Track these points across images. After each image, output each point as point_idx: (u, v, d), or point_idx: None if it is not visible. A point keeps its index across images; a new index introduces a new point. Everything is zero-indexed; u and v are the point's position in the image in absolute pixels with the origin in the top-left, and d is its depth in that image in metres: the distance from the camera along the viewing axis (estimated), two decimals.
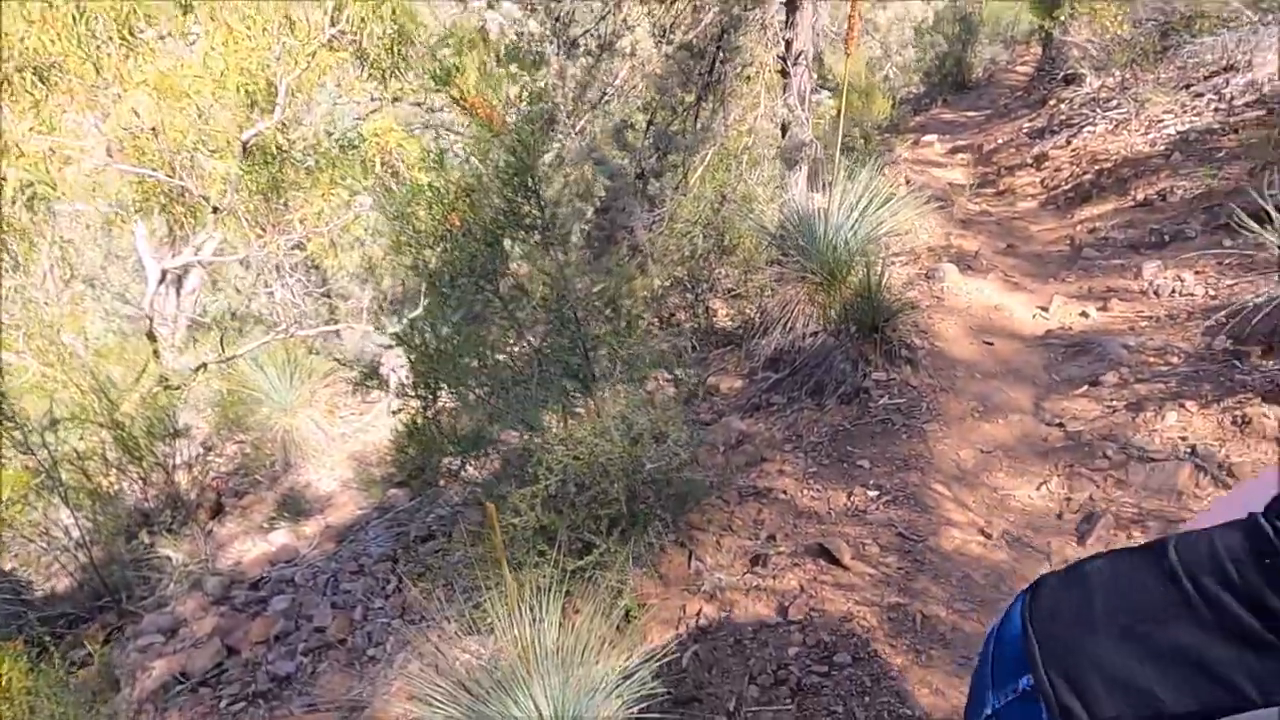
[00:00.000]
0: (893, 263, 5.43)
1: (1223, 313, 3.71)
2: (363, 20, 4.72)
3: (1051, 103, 9.44)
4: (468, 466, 3.17)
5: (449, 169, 2.65)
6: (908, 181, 7.52)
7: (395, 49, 5.00)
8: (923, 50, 12.20)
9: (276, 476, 6.41)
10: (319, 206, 5.02)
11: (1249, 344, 3.48)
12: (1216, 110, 6.41)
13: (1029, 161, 7.90)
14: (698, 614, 2.94)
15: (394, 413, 3.15)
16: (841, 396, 4.23)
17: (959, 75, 15.43)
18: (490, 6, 3.85)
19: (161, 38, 5.34)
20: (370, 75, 5.39)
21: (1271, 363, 3.32)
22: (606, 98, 4.76)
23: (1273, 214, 3.54)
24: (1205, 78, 7.05)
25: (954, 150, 9.97)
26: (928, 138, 10.76)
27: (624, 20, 5.05)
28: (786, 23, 5.36)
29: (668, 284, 5.92)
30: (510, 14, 3.80)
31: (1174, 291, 4.25)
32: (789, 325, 4.89)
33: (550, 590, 2.50)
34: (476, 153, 2.30)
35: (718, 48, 4.63)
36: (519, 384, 2.66)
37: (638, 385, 3.11)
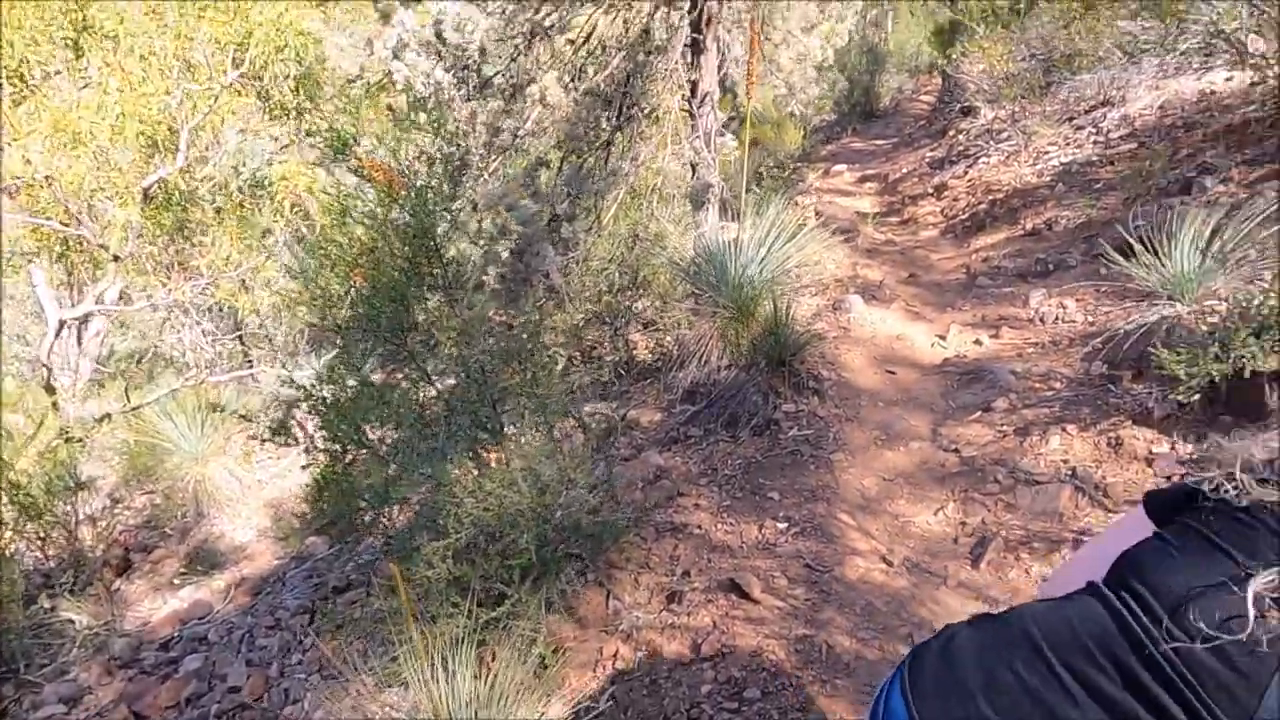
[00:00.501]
0: (803, 294, 5.63)
1: (1099, 339, 3.98)
2: (265, 63, 4.69)
3: (951, 133, 9.93)
4: (381, 519, 3.15)
5: (353, 224, 2.67)
6: (818, 213, 7.80)
7: (302, 90, 4.97)
8: (828, 86, 12.65)
9: (188, 529, 6.19)
10: (226, 251, 4.93)
11: (1121, 369, 3.74)
12: (1095, 142, 6.87)
13: (930, 191, 8.29)
14: (614, 655, 2.98)
15: (304, 467, 3.12)
16: (754, 429, 4.36)
17: (868, 104, 16.09)
18: (395, 56, 3.89)
19: (49, 76, 5.20)
20: (276, 116, 5.35)
21: (1141, 386, 3.58)
22: (518, 141, 4.83)
23: (1135, 247, 3.83)
24: (1085, 111, 7.54)
25: (863, 179, 10.37)
26: (838, 167, 11.18)
27: (535, 61, 5.14)
28: (692, 65, 5.54)
29: (586, 320, 6.00)
30: (415, 64, 3.85)
31: (1057, 319, 4.53)
32: (704, 359, 5.02)
33: (464, 641, 2.52)
34: (379, 214, 2.34)
35: (623, 93, 4.76)
36: (426, 438, 2.68)
37: (549, 431, 3.16)
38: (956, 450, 3.78)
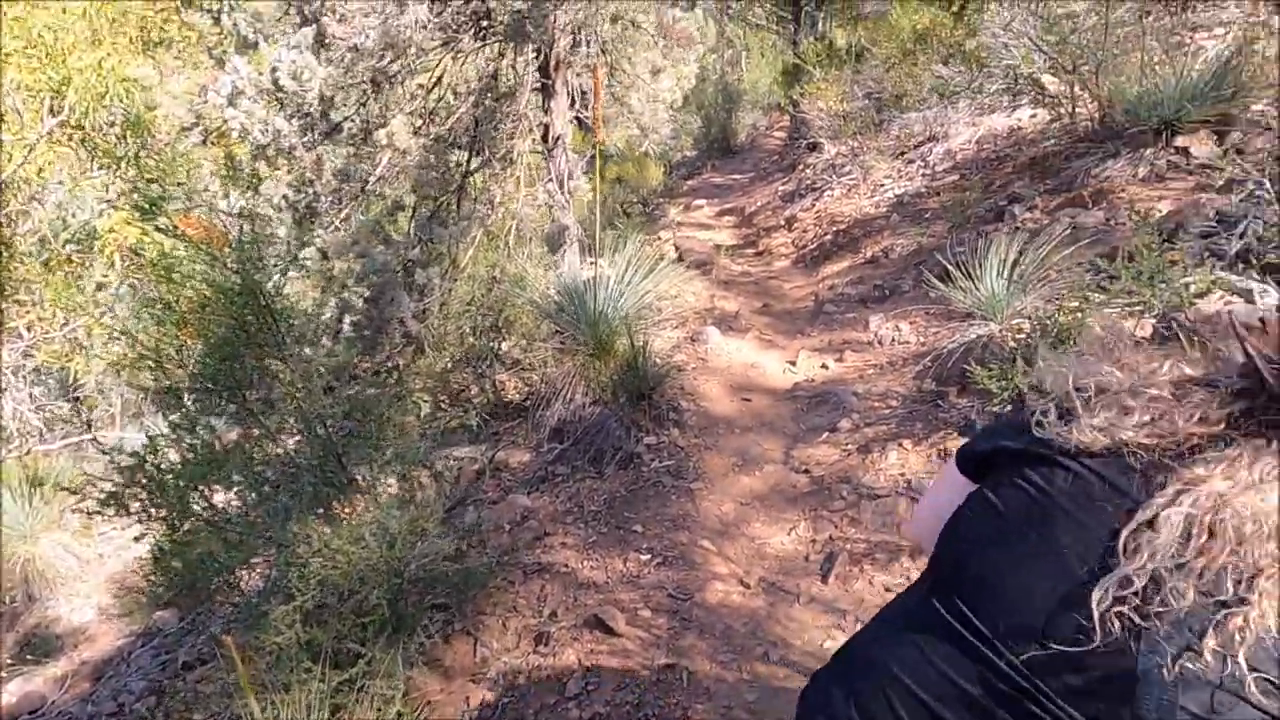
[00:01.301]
0: (662, 327, 5.79)
1: (928, 358, 4.30)
2: (86, 111, 4.45)
3: (800, 168, 10.49)
4: (226, 587, 3.01)
5: (178, 282, 2.57)
6: (677, 247, 8.05)
7: (128, 137, 4.74)
8: (680, 125, 13.14)
9: (17, 614, 5.65)
10: (48, 309, 4.60)
11: (948, 385, 4.06)
12: (923, 175, 7.44)
13: (783, 223, 8.72)
14: (481, 704, 2.95)
15: (136, 539, 2.94)
16: (618, 463, 4.43)
17: (725, 140, 16.77)
18: (231, 104, 3.78)
19: None
20: (105, 166, 5.07)
21: (965, 401, 3.89)
22: (370, 187, 4.77)
23: (953, 272, 4.18)
24: (914, 146, 8.16)
25: (721, 213, 10.78)
26: (698, 201, 11.57)
27: (384, 106, 5.11)
28: (543, 109, 5.65)
29: (453, 364, 5.94)
30: (252, 112, 3.75)
31: (894, 341, 4.86)
32: (569, 396, 5.07)
33: (317, 708, 2.44)
34: (200, 272, 2.27)
35: (474, 137, 4.80)
36: (267, 499, 2.59)
37: (406, 481, 3.12)
38: (807, 471, 3.98)
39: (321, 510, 2.89)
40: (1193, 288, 3.12)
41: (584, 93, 6.41)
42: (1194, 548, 0.79)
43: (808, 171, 9.92)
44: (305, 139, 4.15)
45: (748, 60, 20.33)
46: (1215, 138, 4.85)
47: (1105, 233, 4.42)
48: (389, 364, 5.43)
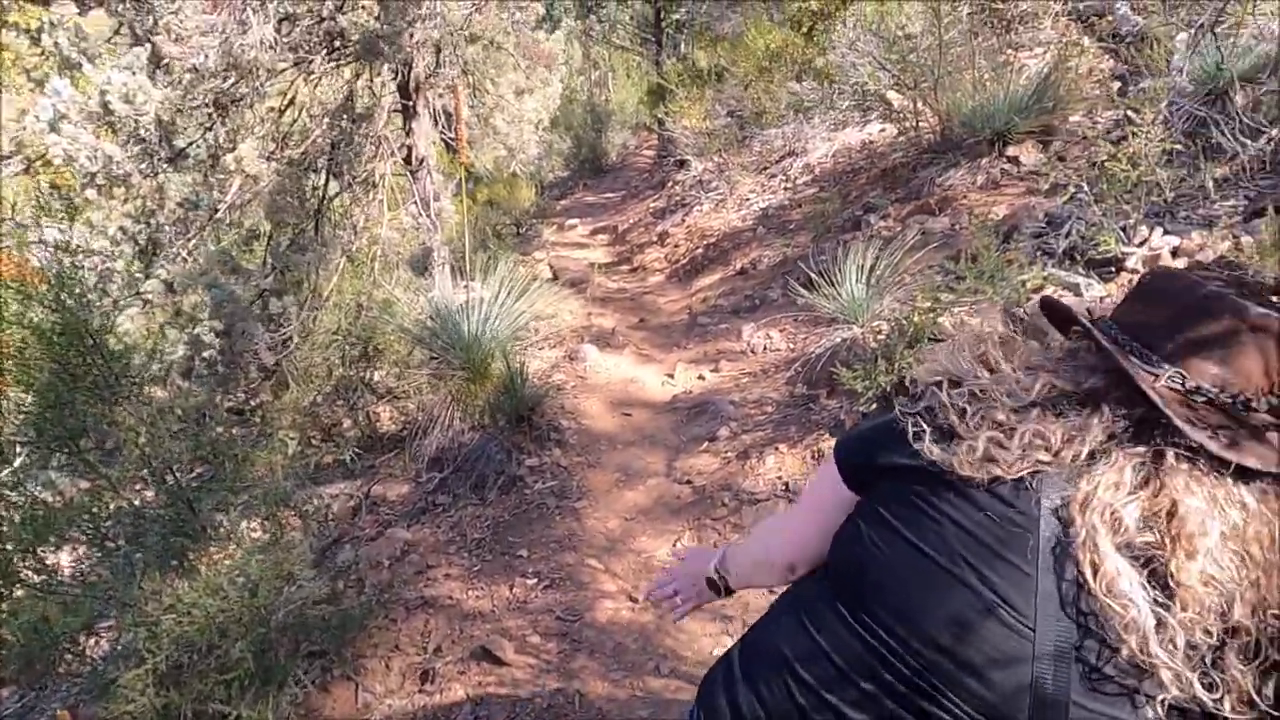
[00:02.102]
0: (540, 347, 5.74)
1: (798, 364, 4.44)
2: None
3: (670, 185, 10.70)
4: (68, 655, 2.73)
5: None
6: (551, 267, 8.03)
7: None
8: (549, 146, 13.18)
9: None
10: None
11: (818, 388, 4.20)
12: (785, 188, 7.73)
13: (655, 239, 8.85)
14: None
15: None
16: (500, 488, 4.34)
17: (596, 160, 16.92)
18: (53, 129, 3.48)
19: None
20: None
21: (834, 402, 4.04)
22: (219, 215, 4.50)
23: (817, 280, 4.35)
24: (776, 161, 8.48)
25: (595, 231, 10.84)
26: (571, 221, 11.60)
27: (232, 130, 4.85)
28: (405, 131, 5.52)
29: (320, 397, 5.67)
30: (77, 137, 3.46)
31: (765, 349, 5.00)
32: (447, 423, 4.93)
33: None
34: (19, 313, 2.06)
35: (331, 161, 4.63)
36: (109, 555, 2.38)
37: (271, 525, 2.94)
38: (689, 481, 4.02)
39: (175, 562, 2.68)
40: (1028, 284, 3.37)
41: (448, 114, 6.30)
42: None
43: (677, 188, 10.13)
44: (143, 166, 3.87)
45: (614, 81, 20.62)
46: (1040, 147, 5.28)
47: (951, 236, 4.71)
48: (251, 402, 5.13)
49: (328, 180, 4.76)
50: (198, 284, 3.98)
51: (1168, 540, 0.83)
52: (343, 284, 5.13)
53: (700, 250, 7.66)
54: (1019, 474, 0.88)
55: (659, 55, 13.67)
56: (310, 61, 4.84)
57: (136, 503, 2.68)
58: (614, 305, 6.99)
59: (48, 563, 2.57)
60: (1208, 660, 0.81)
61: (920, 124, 6.18)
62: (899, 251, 4.38)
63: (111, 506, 2.69)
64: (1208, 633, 0.81)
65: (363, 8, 3.80)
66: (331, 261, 4.83)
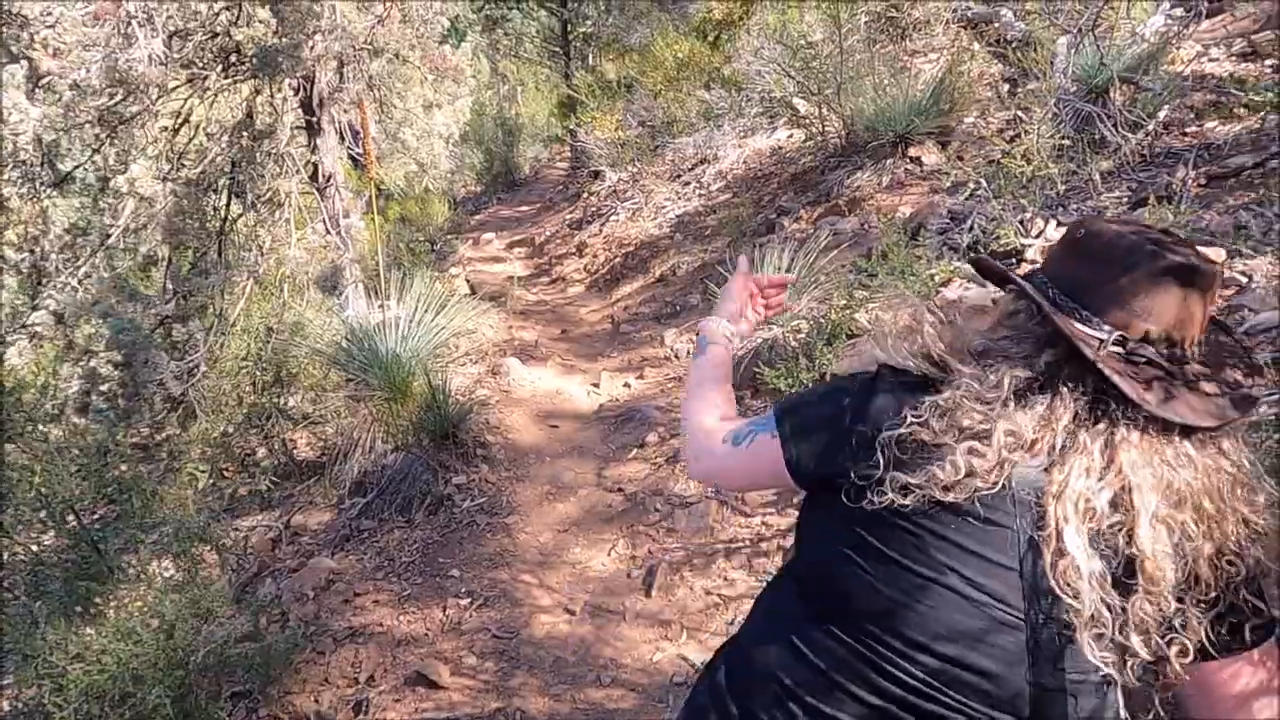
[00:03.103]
0: (462, 364, 5.64)
1: None
2: None
3: (585, 195, 10.69)
4: None
5: None
6: (469, 282, 7.91)
7: None
8: (460, 160, 13.03)
9: None
10: None
11: (742, 388, 4.25)
12: (700, 195, 7.84)
13: (573, 250, 8.83)
14: None
15: None
16: (428, 508, 4.24)
17: (509, 174, 16.79)
18: None
19: None
20: None
21: (759, 402, 4.10)
22: (112, 241, 4.27)
23: None
24: (689, 169, 8.58)
25: (512, 244, 10.74)
26: (487, 235, 11.46)
27: (123, 150, 4.61)
28: (310, 148, 5.36)
29: (235, 426, 5.43)
30: None
31: (689, 353, 5.04)
32: (369, 445, 4.80)
33: None
34: None
35: (232, 180, 4.45)
36: (4, 606, 2.21)
37: (185, 562, 2.79)
38: (620, 489, 4.01)
39: (80, 609, 2.52)
40: (937, 278, 3.50)
41: (354, 130, 6.15)
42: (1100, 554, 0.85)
43: (593, 199, 10.14)
44: (23, 190, 3.64)
45: (524, 94, 20.52)
46: (940, 147, 5.50)
47: (861, 236, 4.86)
48: (157, 435, 4.88)
49: (229, 200, 4.58)
50: (91, 314, 3.76)
51: (1127, 516, 0.85)
52: (251, 307, 4.93)
53: (619, 259, 7.68)
54: (996, 480, 0.88)
55: (568, 67, 13.68)
56: (205, 77, 4.66)
57: (34, 548, 2.50)
58: (535, 317, 6.94)
59: None
60: (1177, 624, 0.84)
61: (826, 128, 6.36)
62: (813, 252, 4.49)
63: (6, 554, 2.51)
64: (1177, 600, 0.84)
65: (260, 21, 3.68)
66: (238, 284, 4.64)
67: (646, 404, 4.61)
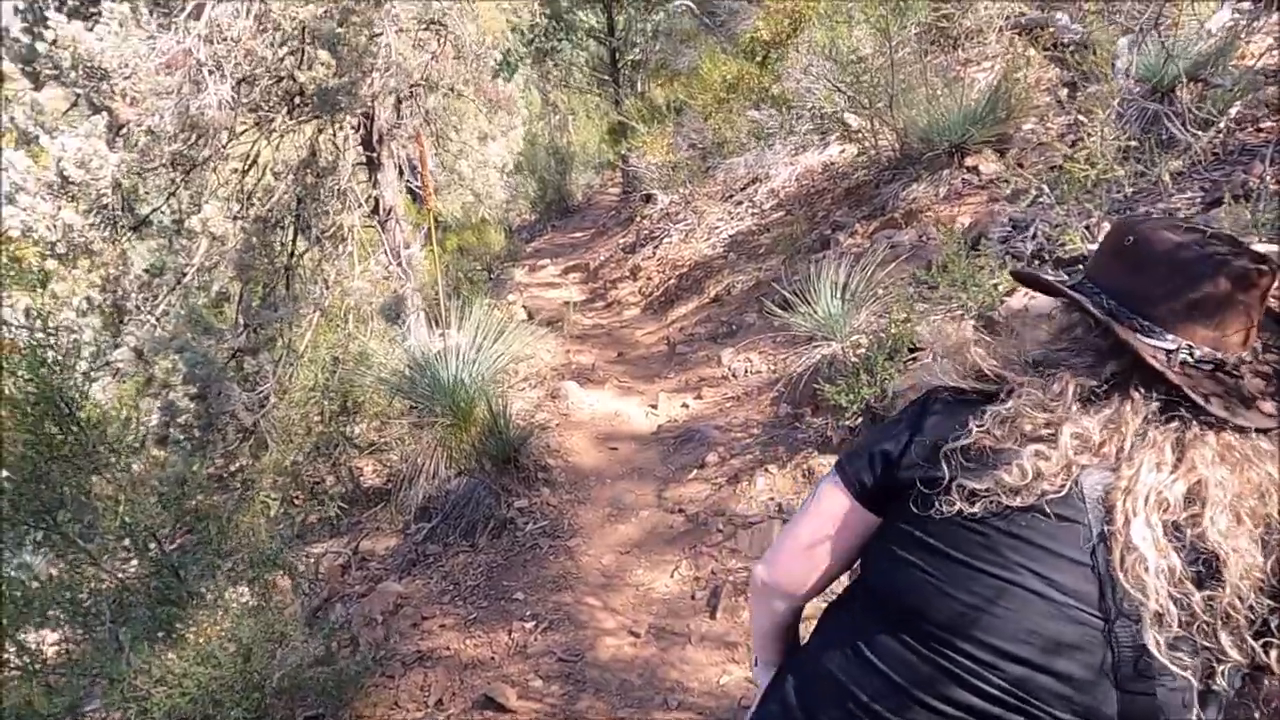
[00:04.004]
0: (521, 388, 5.71)
1: (781, 384, 4.45)
2: None
3: (637, 220, 10.78)
4: None
5: None
6: (526, 308, 8.02)
7: None
8: (515, 189, 13.27)
9: None
10: None
11: (802, 406, 4.21)
12: (752, 214, 7.82)
13: (628, 274, 8.89)
14: None
15: None
16: (491, 532, 4.28)
17: (562, 201, 17.04)
18: (10, 202, 3.43)
19: None
20: None
21: (820, 419, 4.04)
22: (187, 279, 4.46)
23: (791, 299, 4.37)
24: (741, 189, 8.58)
25: (567, 270, 10.88)
26: (543, 262, 11.64)
27: (196, 192, 4.82)
28: (371, 183, 5.53)
29: (305, 455, 5.59)
30: (35, 208, 3.40)
31: (746, 372, 5.01)
32: (433, 471, 4.87)
33: None
34: None
35: (297, 217, 4.62)
36: (93, 631, 2.30)
37: (259, 588, 2.87)
38: (681, 510, 3.99)
39: (163, 634, 2.60)
40: (1000, 287, 3.41)
41: (412, 163, 6.33)
42: (1167, 549, 0.82)
43: (645, 222, 10.21)
44: (105, 233, 3.83)
45: (575, 123, 20.84)
46: (998, 155, 5.39)
47: (919, 248, 4.77)
48: (231, 465, 5.04)
49: (295, 236, 4.75)
50: (168, 349, 3.92)
51: (1205, 510, 0.82)
52: (317, 339, 5.08)
53: (673, 281, 7.70)
54: (1063, 483, 0.86)
55: (618, 94, 13.86)
56: (271, 120, 4.85)
57: (120, 576, 2.60)
58: (591, 341, 6.99)
59: (29, 645, 2.48)
60: (1273, 625, 0.81)
61: (879, 142, 6.30)
62: (870, 266, 4.43)
63: (93, 582, 2.61)
64: (1271, 598, 0.81)
65: (320, 63, 3.82)
66: (305, 317, 4.79)
67: (705, 424, 4.59)
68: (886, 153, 6.27)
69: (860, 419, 3.61)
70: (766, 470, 3.89)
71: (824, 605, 1.19)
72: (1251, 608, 0.80)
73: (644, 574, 3.65)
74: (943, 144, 5.48)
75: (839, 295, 4.27)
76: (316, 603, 4.16)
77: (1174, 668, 0.80)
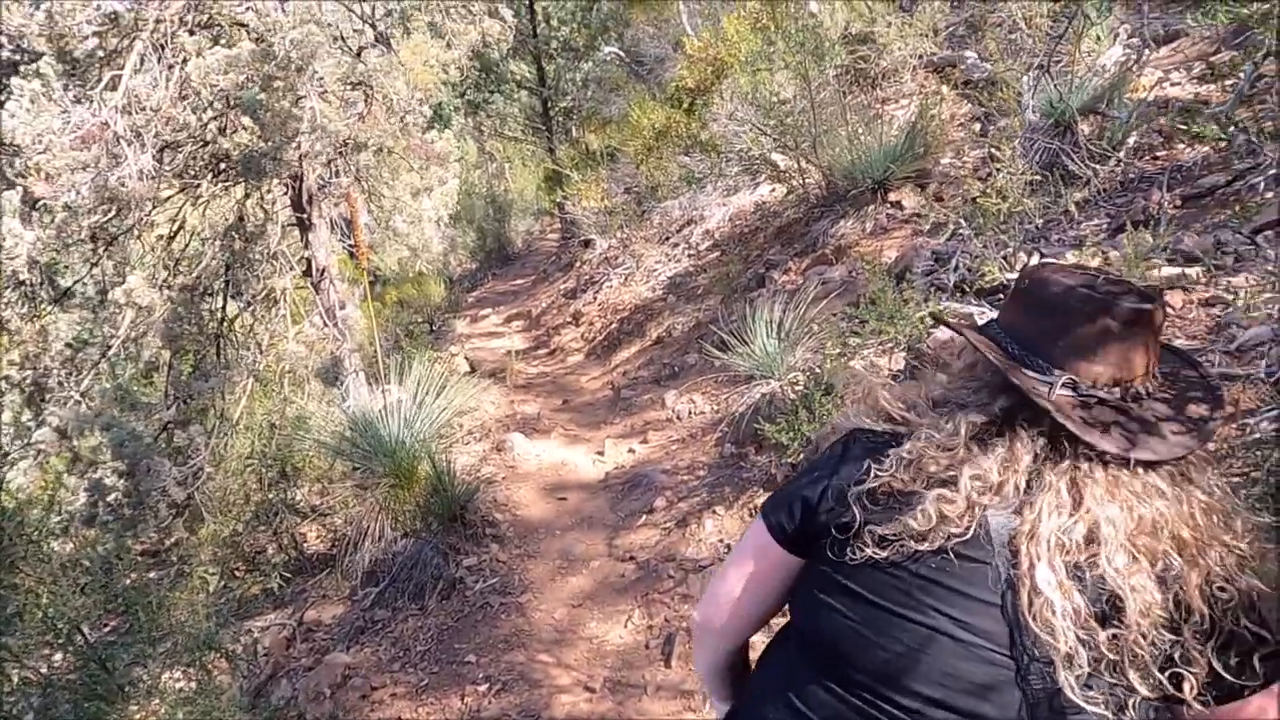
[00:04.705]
0: (466, 443, 5.65)
1: (724, 424, 4.49)
2: None
3: (577, 265, 10.84)
4: None
5: None
6: (468, 359, 7.97)
7: None
8: (453, 240, 13.27)
9: None
10: None
11: (745, 445, 4.25)
12: (689, 255, 7.94)
13: (570, 320, 8.91)
14: None
15: None
16: (440, 593, 4.19)
17: (502, 249, 17.07)
18: None
19: None
20: None
21: (763, 457, 4.08)
22: (111, 352, 4.33)
23: (729, 340, 4.44)
24: (677, 230, 8.71)
25: (509, 319, 10.85)
26: (484, 312, 11.60)
27: (119, 263, 4.71)
28: (303, 243, 5.47)
29: (240, 526, 5.42)
30: None
31: (690, 413, 5.05)
32: (378, 533, 4.77)
33: None
34: None
35: (227, 282, 4.53)
36: None
37: (197, 671, 2.76)
38: (632, 558, 3.97)
39: None
40: (926, 320, 3.51)
41: (346, 221, 6.28)
42: (1072, 590, 0.85)
43: (585, 267, 10.27)
44: (22, 310, 3.71)
45: (511, 171, 20.97)
46: (919, 190, 5.59)
47: (849, 283, 4.90)
48: (165, 541, 4.86)
49: (226, 302, 4.66)
50: (94, 426, 3.79)
51: (1101, 550, 0.86)
52: (252, 405, 4.97)
53: (615, 325, 7.74)
54: (969, 525, 0.90)
55: (551, 142, 14.02)
56: (197, 185, 4.79)
57: (44, 669, 2.48)
58: (536, 390, 6.96)
59: None
60: (1177, 657, 0.84)
61: (806, 181, 6.48)
62: (803, 303, 4.53)
63: (15, 678, 2.48)
64: (1172, 632, 0.84)
65: (244, 129, 3.80)
66: (238, 384, 4.68)
67: (652, 468, 4.60)
68: (814, 191, 6.45)
69: (803, 455, 3.66)
70: (714, 512, 3.91)
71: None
72: (1154, 643, 0.83)
73: (597, 626, 3.61)
74: (866, 181, 5.66)
75: (774, 334, 4.35)
76: (259, 681, 4.01)
77: (1088, 706, 0.83)
